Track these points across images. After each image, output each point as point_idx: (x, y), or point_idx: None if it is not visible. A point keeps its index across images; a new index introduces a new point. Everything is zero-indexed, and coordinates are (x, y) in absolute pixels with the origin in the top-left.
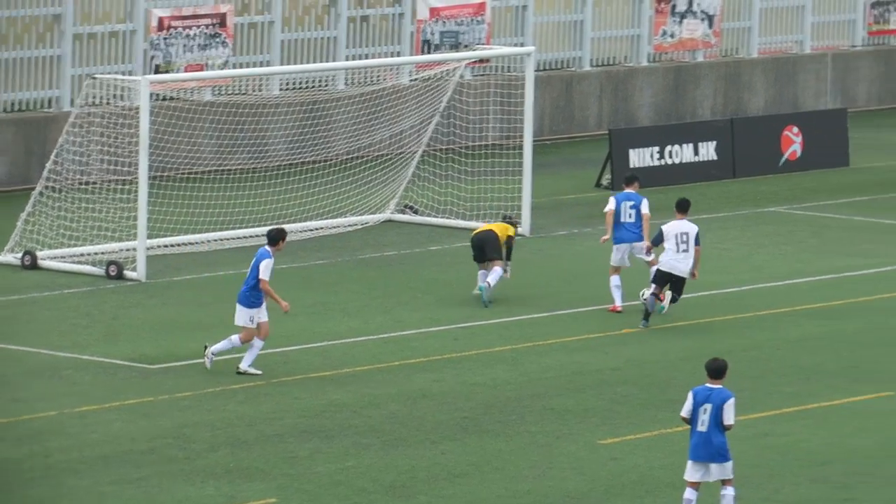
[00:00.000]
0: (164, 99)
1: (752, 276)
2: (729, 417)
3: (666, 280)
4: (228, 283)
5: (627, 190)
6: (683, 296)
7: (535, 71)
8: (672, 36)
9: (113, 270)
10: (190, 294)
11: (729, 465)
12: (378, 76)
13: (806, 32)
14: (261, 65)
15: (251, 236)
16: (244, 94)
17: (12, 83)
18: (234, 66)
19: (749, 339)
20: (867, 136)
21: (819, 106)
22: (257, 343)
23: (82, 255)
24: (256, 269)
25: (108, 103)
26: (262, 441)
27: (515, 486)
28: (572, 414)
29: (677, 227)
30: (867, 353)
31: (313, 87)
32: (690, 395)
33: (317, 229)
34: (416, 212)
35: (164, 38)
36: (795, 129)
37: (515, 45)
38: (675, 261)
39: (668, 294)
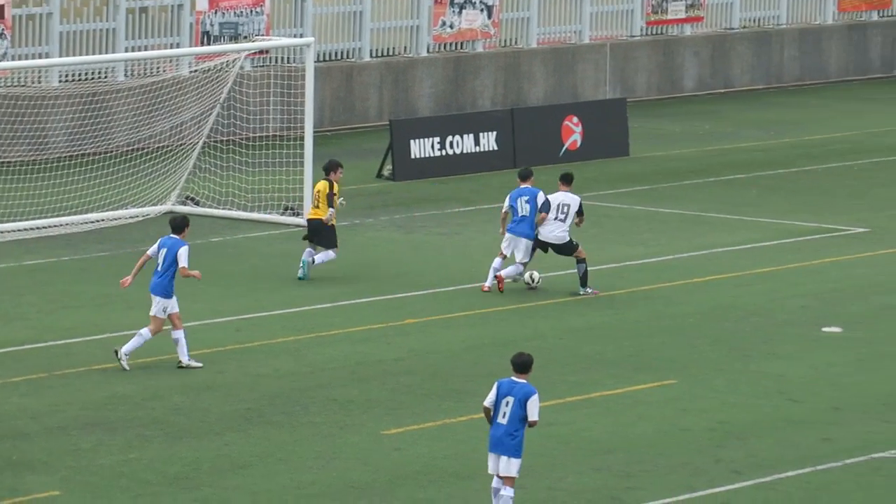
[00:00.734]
0: None
1: (533, 266)
2: (533, 413)
3: (545, 248)
4: (10, 275)
5: (522, 185)
6: (464, 286)
7: (315, 62)
8: (451, 26)
9: None
10: None
11: (516, 463)
12: (158, 67)
13: (584, 23)
14: (40, 56)
15: (31, 229)
16: (23, 85)
17: None
18: (13, 58)
19: (532, 329)
20: (646, 125)
21: (598, 96)
22: (181, 335)
23: None
24: (174, 257)
25: None
26: (45, 433)
27: (300, 476)
28: (356, 404)
29: (560, 198)
30: (648, 341)
31: (93, 78)
32: (495, 386)
33: (98, 221)
34: (197, 203)
35: None
36: (575, 119)
37: (295, 36)
38: (550, 230)
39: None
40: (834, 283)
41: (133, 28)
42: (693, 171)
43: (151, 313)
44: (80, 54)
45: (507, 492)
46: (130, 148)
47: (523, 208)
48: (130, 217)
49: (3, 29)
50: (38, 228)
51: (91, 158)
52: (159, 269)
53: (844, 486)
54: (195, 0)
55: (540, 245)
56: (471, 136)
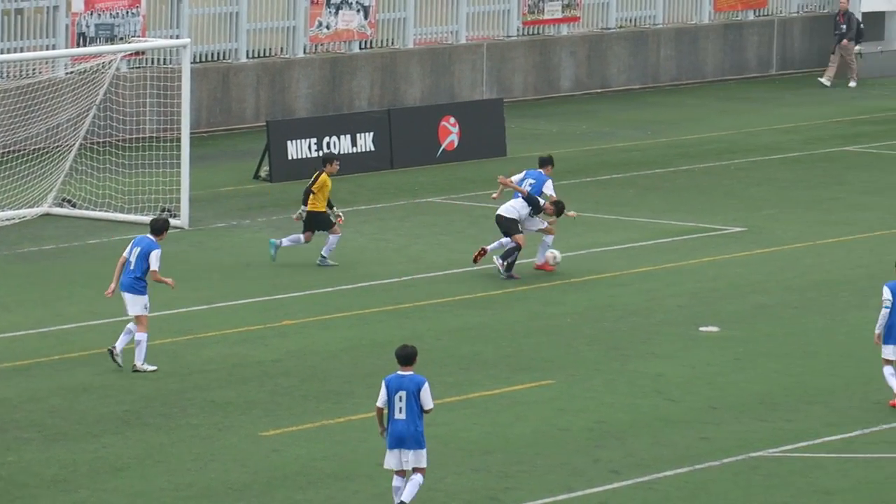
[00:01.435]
0: None
1: (411, 266)
2: (427, 402)
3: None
4: None
5: (539, 170)
6: (341, 287)
7: (192, 63)
8: (328, 27)
9: None
10: None
11: (423, 452)
12: (34, 69)
13: (461, 23)
14: None
15: None
16: None
17: None
18: None
19: (409, 330)
20: (523, 125)
21: (475, 96)
22: (143, 337)
23: None
24: (146, 259)
25: None
26: None
27: (178, 478)
28: (234, 406)
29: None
30: (526, 342)
31: None
32: (383, 385)
33: None
34: (74, 205)
35: None
36: (452, 120)
37: (171, 37)
38: (508, 202)
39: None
40: (711, 282)
41: (8, 29)
42: (570, 171)
43: (131, 313)
44: None
45: (417, 477)
46: (6, 150)
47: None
48: (7, 220)
49: None
50: None
51: None
52: (131, 267)
53: (722, 484)
54: (71, 1)
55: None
56: (348, 136)
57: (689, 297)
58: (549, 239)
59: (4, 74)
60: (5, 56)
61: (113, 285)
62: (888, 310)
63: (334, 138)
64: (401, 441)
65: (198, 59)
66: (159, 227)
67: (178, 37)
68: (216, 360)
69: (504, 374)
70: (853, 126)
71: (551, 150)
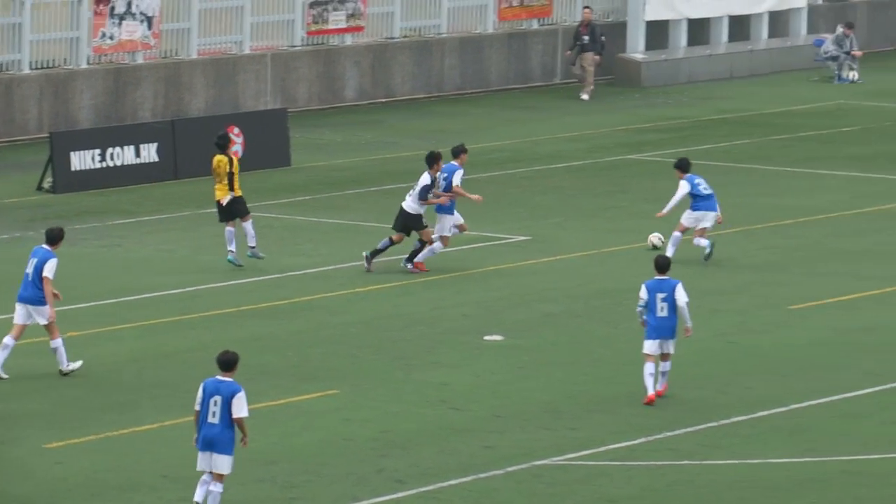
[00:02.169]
0: None
1: (197, 277)
2: (239, 410)
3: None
4: None
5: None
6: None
7: None
8: (111, 38)
9: None
10: None
11: (228, 459)
12: None
13: (245, 33)
14: None
15: None
16: None
17: None
18: None
19: (195, 340)
20: (308, 135)
21: (260, 106)
22: (59, 343)
23: None
24: (41, 268)
25: None
26: None
27: None
28: (17, 418)
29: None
30: (312, 351)
31: None
32: (201, 388)
33: None
34: None
35: None
36: (237, 130)
37: None
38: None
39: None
40: (496, 291)
41: None
42: (354, 180)
43: (42, 323)
44: None
45: (216, 487)
46: None
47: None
48: None
49: None
50: None
51: None
52: (30, 279)
53: (506, 493)
54: None
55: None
56: (132, 147)
57: (475, 306)
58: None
59: None
60: None
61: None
62: (642, 308)
63: (118, 149)
64: (210, 444)
65: None
66: (54, 237)
67: None
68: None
69: (290, 383)
70: (638, 134)
71: (335, 160)
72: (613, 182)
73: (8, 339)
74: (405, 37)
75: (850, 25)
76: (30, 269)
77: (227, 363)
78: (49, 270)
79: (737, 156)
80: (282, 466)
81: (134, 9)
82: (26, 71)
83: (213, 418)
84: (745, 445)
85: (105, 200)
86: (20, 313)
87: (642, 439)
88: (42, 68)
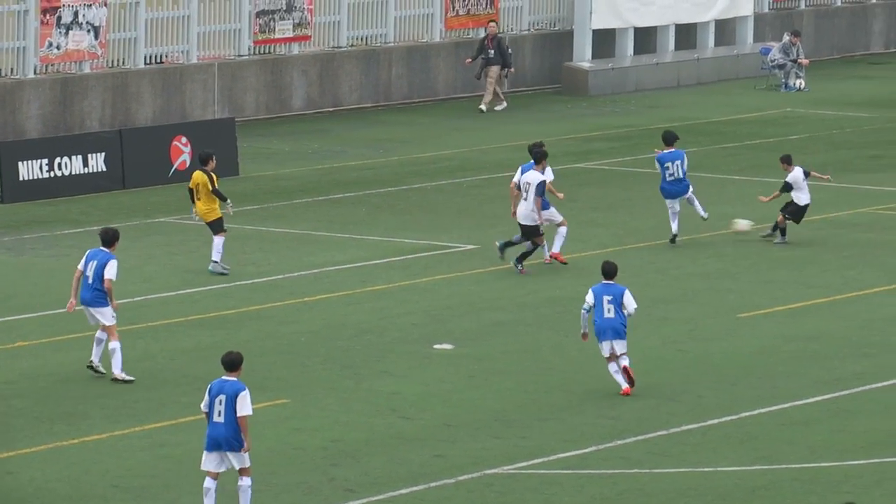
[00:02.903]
0: None
1: (144, 287)
2: (242, 408)
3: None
4: None
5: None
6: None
7: None
8: (58, 48)
9: None
10: None
11: (246, 455)
12: None
13: (192, 42)
14: None
15: None
16: None
17: None
18: None
19: (142, 350)
20: (256, 145)
21: (207, 116)
22: (118, 345)
23: None
24: (102, 271)
25: None
26: None
27: None
28: None
29: (524, 178)
30: (260, 361)
31: None
32: (207, 389)
33: None
34: None
35: None
36: (184, 140)
37: None
38: (521, 210)
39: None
40: (445, 300)
41: None
42: (302, 189)
43: (106, 323)
44: None
45: (244, 481)
46: None
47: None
48: None
49: None
50: None
51: None
52: (90, 281)
53: (457, 502)
54: None
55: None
56: (79, 157)
57: (423, 314)
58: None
59: None
60: None
61: (73, 300)
62: (587, 312)
63: (66, 159)
64: (218, 444)
65: None
66: (109, 239)
67: None
68: None
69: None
70: (585, 143)
71: (283, 169)
72: (561, 190)
73: (113, 343)
74: (352, 46)
75: (796, 34)
76: (90, 272)
77: (232, 363)
78: (111, 272)
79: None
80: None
81: (81, 18)
82: None
83: (219, 417)
84: (695, 453)
85: (53, 210)
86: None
87: (593, 447)
88: None
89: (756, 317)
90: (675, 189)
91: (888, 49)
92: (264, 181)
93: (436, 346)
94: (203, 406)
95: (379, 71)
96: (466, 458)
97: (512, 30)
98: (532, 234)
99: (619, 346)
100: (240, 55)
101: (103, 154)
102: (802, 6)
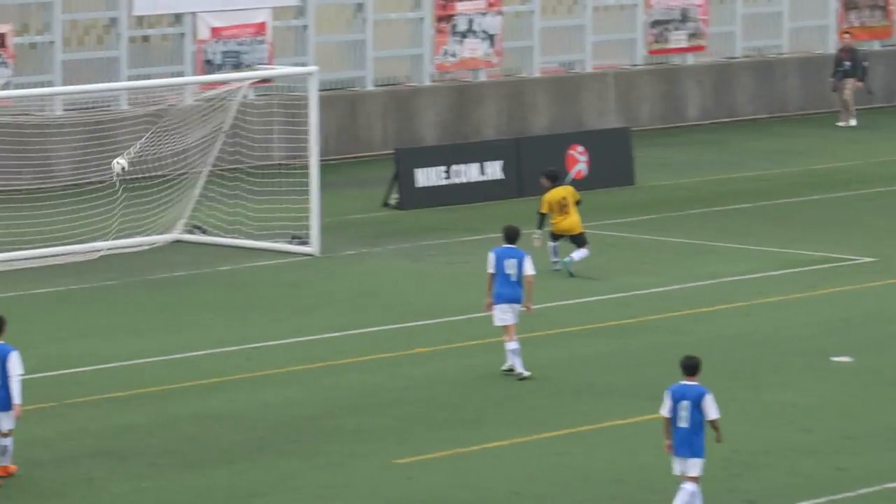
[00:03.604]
0: None
1: (542, 294)
2: (711, 412)
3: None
4: (18, 304)
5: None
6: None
7: (319, 91)
8: (453, 55)
9: None
10: None
11: (698, 462)
12: (161, 96)
13: (587, 52)
14: (42, 85)
15: (37, 258)
16: (27, 114)
17: None
18: (16, 87)
19: (542, 358)
20: (651, 154)
21: (602, 125)
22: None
23: None
24: (523, 267)
25: None
26: (56, 462)
27: None
28: (367, 433)
29: None
30: (656, 370)
31: (96, 107)
32: (668, 394)
33: (105, 250)
34: (204, 232)
35: None
36: (580, 148)
37: (297, 64)
38: None
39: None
40: (842, 311)
41: (135, 57)
42: (698, 200)
43: (505, 323)
44: (83, 83)
45: (689, 486)
46: (135, 177)
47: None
48: (137, 246)
49: (5, 58)
50: (44, 257)
51: (96, 187)
52: (513, 279)
53: None
54: (197, 29)
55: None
56: (476, 164)
57: (820, 326)
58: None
59: (132, 101)
60: (133, 83)
61: (488, 300)
62: None
63: (462, 166)
64: (684, 449)
65: (325, 87)
66: (515, 235)
67: (304, 64)
68: (348, 388)
69: (636, 402)
70: None
71: (678, 179)
72: None
73: (511, 345)
74: (746, 56)
75: None
76: (512, 270)
77: (692, 367)
78: (531, 268)
79: None
80: (629, 485)
81: (475, 27)
82: (370, 88)
83: (683, 423)
84: None
85: (450, 217)
86: (504, 314)
87: None
88: (385, 85)
89: None
90: None
91: None
92: (659, 191)
93: (833, 359)
94: (664, 412)
95: (773, 81)
96: (867, 471)
97: None
98: None
99: None
100: (634, 65)
101: (500, 162)
102: None
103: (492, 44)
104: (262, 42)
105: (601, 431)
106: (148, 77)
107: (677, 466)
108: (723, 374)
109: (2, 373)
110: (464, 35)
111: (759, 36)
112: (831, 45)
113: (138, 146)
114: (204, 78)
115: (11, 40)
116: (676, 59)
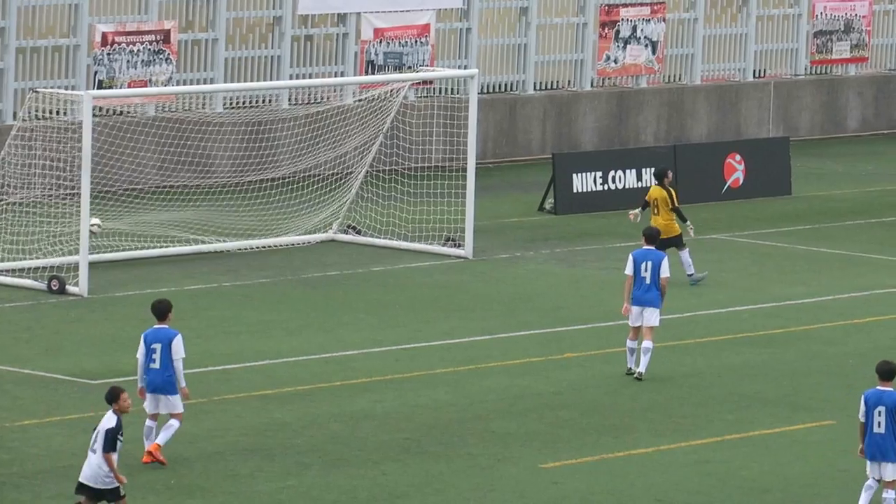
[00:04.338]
0: (107, 114)
1: (693, 302)
2: None
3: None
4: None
5: None
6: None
7: (479, 94)
8: (616, 61)
9: (55, 285)
10: (131, 310)
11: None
12: (322, 96)
13: (749, 60)
14: (205, 82)
15: (194, 254)
16: (188, 111)
17: None
18: (178, 83)
19: (690, 366)
20: (809, 164)
21: (761, 134)
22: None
23: (24, 269)
24: (659, 269)
25: (50, 117)
26: (203, 458)
27: None
28: (514, 437)
29: None
30: (806, 381)
31: (257, 105)
32: (862, 399)
33: (260, 248)
34: (358, 232)
35: (108, 54)
36: (738, 157)
37: (459, 67)
38: None
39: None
40: None
41: (297, 56)
42: (855, 211)
43: (647, 325)
44: (245, 81)
45: (890, 494)
46: (294, 175)
47: None
48: (292, 244)
49: (168, 54)
50: (202, 254)
51: (254, 185)
52: (647, 281)
53: None
54: (360, 29)
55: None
56: (633, 171)
57: None
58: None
59: (293, 100)
60: (294, 82)
61: (626, 304)
62: None
63: (620, 172)
64: (877, 453)
65: (485, 90)
66: (656, 235)
67: (466, 67)
68: (497, 391)
69: (783, 412)
70: None
71: (835, 190)
72: None
73: (630, 344)
74: None
75: None
76: (647, 273)
77: (889, 373)
78: (666, 270)
79: None
80: (775, 495)
81: (639, 33)
82: (530, 92)
83: (879, 428)
84: None
85: (605, 223)
86: (637, 315)
87: None
88: (546, 89)
89: None
90: None
91: None
92: (817, 201)
93: None
94: (861, 416)
95: None
96: None
97: None
98: None
99: None
100: (796, 74)
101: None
102: None
103: (654, 50)
104: (424, 44)
105: (747, 440)
106: (309, 76)
107: (872, 471)
108: (874, 385)
109: (167, 356)
110: (626, 41)
111: None
112: None
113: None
114: (365, 78)
115: (176, 37)
116: (838, 70)
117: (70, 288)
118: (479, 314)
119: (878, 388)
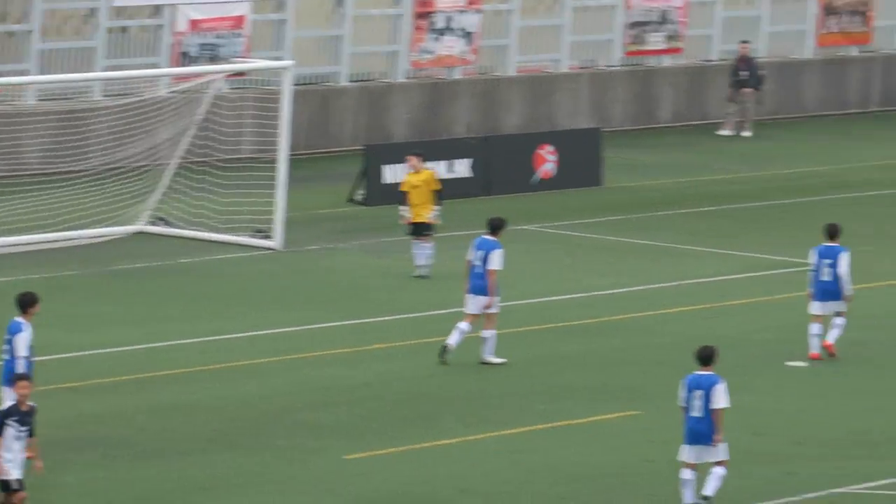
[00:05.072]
0: None
1: (505, 293)
2: (719, 401)
3: None
4: None
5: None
6: (435, 312)
7: (293, 85)
8: (430, 53)
9: None
10: None
11: (721, 447)
12: (136, 87)
13: (564, 51)
14: (18, 74)
15: (1, 246)
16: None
17: None
18: None
19: (503, 357)
20: (621, 155)
21: (575, 125)
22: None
23: None
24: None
25: None
26: None
27: (262, 500)
28: (322, 429)
29: None
30: (617, 371)
31: (71, 97)
32: (682, 384)
33: (69, 240)
34: (168, 224)
35: None
36: (550, 148)
37: (274, 58)
38: None
39: None
40: (802, 316)
41: (113, 47)
42: (666, 202)
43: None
44: (59, 72)
45: (719, 470)
46: (105, 167)
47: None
48: (101, 236)
49: None
50: (8, 245)
51: (65, 176)
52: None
53: None
54: (176, 21)
55: None
56: (445, 162)
57: (778, 331)
58: None
59: (107, 92)
60: (108, 73)
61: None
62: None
63: (431, 163)
64: (697, 437)
65: (299, 82)
66: (500, 225)
67: (280, 58)
68: (306, 382)
69: (594, 402)
70: None
71: (647, 181)
72: None
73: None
74: (722, 60)
75: None
76: (476, 260)
77: (706, 358)
78: (497, 262)
79: None
80: (584, 484)
81: (453, 24)
82: (345, 83)
83: (697, 412)
84: None
85: None
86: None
87: None
88: (360, 81)
89: None
90: None
91: None
92: (628, 192)
93: (789, 364)
94: (680, 401)
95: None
96: (814, 477)
97: (883, 49)
98: None
99: None
100: (610, 66)
101: (469, 160)
102: None
103: (469, 42)
104: (239, 35)
105: (558, 430)
106: (124, 68)
107: (687, 454)
108: (682, 373)
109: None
110: (441, 32)
111: (736, 39)
112: (807, 52)
113: None
114: (179, 70)
115: None
116: (652, 62)
117: None
118: (289, 306)
119: (697, 372)
